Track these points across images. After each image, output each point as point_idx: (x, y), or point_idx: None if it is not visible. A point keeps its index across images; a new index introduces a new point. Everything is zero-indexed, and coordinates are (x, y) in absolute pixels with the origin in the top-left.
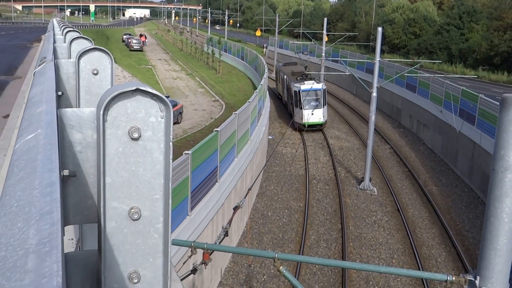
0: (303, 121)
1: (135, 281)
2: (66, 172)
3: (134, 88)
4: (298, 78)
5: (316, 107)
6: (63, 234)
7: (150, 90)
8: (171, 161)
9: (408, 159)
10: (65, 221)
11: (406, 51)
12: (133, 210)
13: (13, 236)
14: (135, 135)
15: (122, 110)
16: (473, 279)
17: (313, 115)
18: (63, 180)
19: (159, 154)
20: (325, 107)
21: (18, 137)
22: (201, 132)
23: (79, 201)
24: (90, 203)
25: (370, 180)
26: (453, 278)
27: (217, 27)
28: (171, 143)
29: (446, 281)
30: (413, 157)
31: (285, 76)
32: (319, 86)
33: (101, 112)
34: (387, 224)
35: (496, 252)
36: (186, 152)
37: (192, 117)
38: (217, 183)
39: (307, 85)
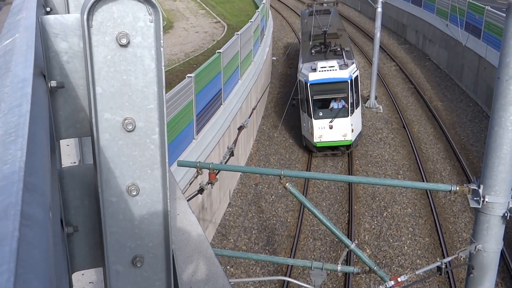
0: (313, 139)
1: (134, 193)
2: (53, 83)
3: None
4: (313, 52)
5: (337, 114)
6: (50, 133)
7: None
8: (163, 68)
9: (414, 76)
10: (58, 135)
11: None
12: (127, 121)
13: None
14: (124, 41)
15: (108, 14)
16: (476, 188)
17: (331, 129)
18: (52, 92)
19: (150, 61)
20: (357, 111)
21: None
22: (204, 55)
23: (70, 114)
24: (82, 115)
25: (376, 98)
26: (457, 188)
27: None
28: (162, 49)
29: (450, 191)
30: (418, 74)
31: (302, 40)
32: (344, 73)
33: (85, 17)
34: (392, 141)
35: (499, 160)
36: (189, 75)
37: (193, 40)
38: (222, 106)
39: (322, 71)
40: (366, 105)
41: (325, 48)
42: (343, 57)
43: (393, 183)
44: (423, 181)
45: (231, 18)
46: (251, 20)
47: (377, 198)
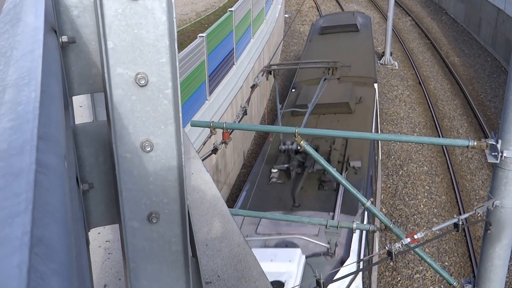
0: None
1: (148, 149)
2: (64, 38)
3: None
4: (273, 177)
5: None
6: (63, 89)
7: None
8: (174, 20)
9: (430, 31)
10: (71, 92)
11: None
12: (139, 75)
13: None
14: None
15: None
16: (494, 143)
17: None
18: (63, 47)
19: (161, 14)
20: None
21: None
22: (215, 14)
23: (82, 70)
24: (94, 71)
25: (391, 54)
26: (475, 143)
27: None
28: (173, 1)
29: (467, 146)
30: (435, 28)
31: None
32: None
33: None
34: (408, 98)
35: None
36: (200, 35)
37: None
38: (234, 66)
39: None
40: (381, 61)
41: (301, 170)
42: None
43: (409, 139)
44: (440, 137)
45: None
46: None
47: (392, 157)
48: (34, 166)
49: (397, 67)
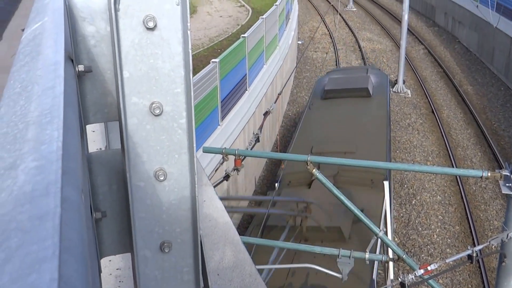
0: None
1: (162, 178)
2: (81, 68)
3: None
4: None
5: None
6: (79, 117)
7: None
8: (190, 51)
9: (443, 59)
10: (86, 120)
11: None
12: (154, 105)
13: (15, 114)
14: (151, 25)
15: None
16: (509, 173)
17: None
18: (79, 76)
19: (177, 44)
20: None
21: (25, 28)
22: (228, 40)
23: (98, 99)
24: (109, 100)
25: (404, 82)
26: (488, 174)
27: None
28: (189, 32)
29: (481, 177)
30: (448, 57)
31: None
32: None
33: (112, 1)
34: (421, 127)
35: None
36: (213, 60)
37: (218, 24)
38: (247, 91)
39: None
40: (394, 89)
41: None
42: None
43: (423, 169)
44: (453, 167)
45: (256, 1)
46: (276, 4)
47: (405, 185)
48: (59, 209)
49: (410, 95)
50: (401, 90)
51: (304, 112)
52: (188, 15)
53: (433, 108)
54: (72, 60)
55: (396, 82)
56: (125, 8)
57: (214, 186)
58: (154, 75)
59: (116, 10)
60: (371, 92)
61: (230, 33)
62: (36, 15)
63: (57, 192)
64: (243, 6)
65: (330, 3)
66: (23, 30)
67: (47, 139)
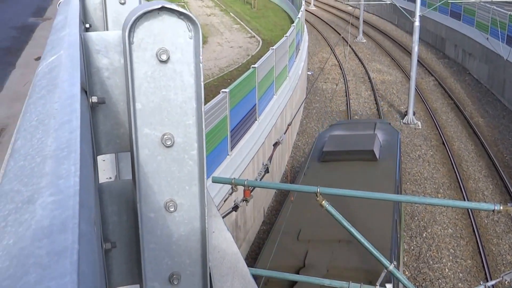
0: None
1: (172, 209)
2: (94, 99)
3: (159, 6)
4: None
5: None
6: (92, 148)
7: (177, 8)
8: (202, 83)
9: (453, 91)
10: (98, 151)
11: None
12: (166, 136)
13: (32, 147)
14: (164, 57)
15: (149, 31)
16: None
17: None
18: (92, 107)
19: (189, 77)
20: None
21: (41, 60)
22: (238, 70)
23: (111, 129)
24: (121, 131)
25: (414, 113)
26: (501, 208)
27: None
28: (201, 65)
29: (493, 211)
30: (458, 89)
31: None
32: None
33: (127, 34)
34: (432, 158)
35: None
36: (223, 90)
37: (228, 55)
38: (256, 121)
39: None
40: (404, 121)
41: None
42: None
43: (433, 201)
44: (465, 200)
45: (266, 32)
46: (286, 35)
47: (416, 218)
48: (76, 245)
49: (420, 127)
50: (411, 121)
51: (298, 176)
52: (201, 49)
53: (443, 139)
54: (86, 92)
55: (406, 113)
56: (139, 41)
57: (223, 217)
58: (166, 106)
59: (130, 43)
60: (377, 155)
61: (240, 64)
62: (52, 48)
63: (74, 227)
64: (254, 37)
65: (340, 34)
66: (36, 59)
67: (64, 174)
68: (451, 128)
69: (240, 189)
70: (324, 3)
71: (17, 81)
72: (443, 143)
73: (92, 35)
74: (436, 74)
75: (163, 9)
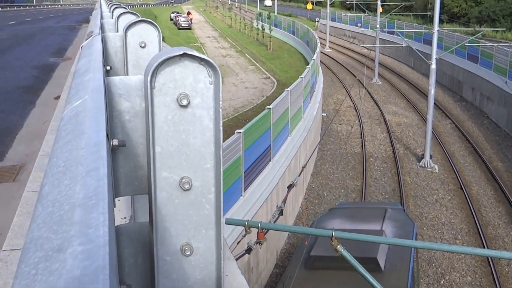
0: None
1: (188, 253)
2: (115, 142)
3: (181, 52)
4: None
5: None
6: (112, 192)
7: (197, 54)
8: (221, 128)
9: (471, 134)
10: (116, 193)
11: (466, 19)
12: (184, 180)
13: (59, 193)
14: (184, 102)
15: (170, 76)
16: None
17: None
18: (113, 150)
19: (208, 121)
20: None
21: (66, 104)
22: (253, 111)
23: (130, 172)
24: (140, 173)
25: (431, 157)
26: None
27: (267, 2)
28: (220, 110)
29: None
30: (476, 132)
31: None
32: None
33: (149, 79)
34: (449, 203)
35: None
36: (238, 131)
37: (243, 95)
38: (270, 162)
39: None
40: (420, 164)
41: None
42: None
43: (452, 248)
44: (484, 247)
45: (281, 74)
46: (301, 76)
47: (433, 264)
48: None
49: (437, 170)
50: (428, 165)
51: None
52: (221, 94)
53: (461, 184)
54: (107, 134)
55: (422, 156)
56: (160, 86)
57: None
58: (185, 150)
59: (152, 88)
60: (382, 264)
61: (255, 104)
62: (76, 91)
63: (105, 279)
64: (269, 78)
65: (355, 76)
66: (55, 98)
67: (94, 223)
68: (469, 172)
69: (253, 230)
70: (339, 45)
71: (37, 119)
72: (461, 188)
73: (115, 79)
74: (453, 117)
75: (184, 55)
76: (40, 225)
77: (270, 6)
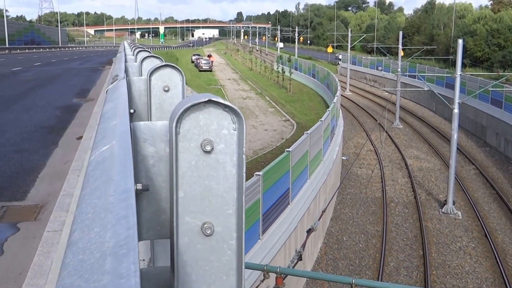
0: None
1: None
2: (139, 186)
3: (206, 99)
4: None
5: None
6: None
7: (222, 101)
8: (244, 174)
9: (496, 181)
10: (138, 237)
11: (490, 64)
12: (206, 225)
13: (90, 241)
14: (208, 148)
15: (195, 122)
16: None
17: None
18: (136, 194)
19: (232, 167)
20: None
21: (92, 149)
22: (272, 153)
23: (152, 216)
24: (163, 218)
25: (454, 203)
26: None
27: (279, 44)
28: (244, 156)
29: None
30: (501, 179)
31: None
32: None
33: (174, 125)
34: (473, 251)
35: None
36: (257, 173)
37: (262, 138)
38: (289, 206)
39: None
40: (443, 210)
41: None
42: None
43: None
44: None
45: (301, 116)
46: (321, 119)
47: None
48: None
49: (460, 217)
50: (451, 211)
51: None
52: (245, 140)
53: (486, 231)
54: None
55: (445, 202)
56: (185, 132)
57: None
58: (207, 196)
59: (176, 134)
60: None
61: (274, 147)
62: (103, 137)
63: None
64: (288, 120)
65: (376, 120)
66: (78, 138)
67: (125, 273)
68: (494, 220)
69: (272, 275)
70: (360, 88)
71: (59, 159)
72: (486, 235)
73: (140, 124)
74: (477, 163)
75: (209, 102)
76: (71, 273)
77: (282, 47)
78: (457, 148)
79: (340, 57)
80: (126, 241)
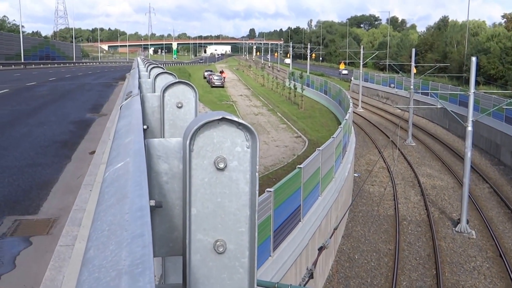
0: None
1: None
2: (152, 203)
3: (220, 117)
4: None
5: None
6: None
7: (236, 119)
8: (257, 192)
9: (511, 200)
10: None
11: (503, 82)
12: (218, 243)
13: (105, 258)
14: (221, 165)
15: (208, 139)
16: None
17: None
18: (150, 211)
19: (244, 185)
20: None
21: (107, 165)
22: (283, 170)
23: (165, 233)
24: (175, 234)
25: (468, 222)
26: None
27: (286, 60)
28: (257, 174)
29: None
30: None
31: None
32: None
33: (187, 142)
34: (488, 271)
35: None
36: (268, 189)
37: (274, 154)
38: (300, 222)
39: None
40: (456, 229)
41: None
42: None
43: None
44: None
45: (312, 133)
46: (333, 136)
47: None
48: None
49: (474, 236)
50: (464, 230)
51: None
52: (258, 158)
53: (501, 251)
54: None
55: (459, 221)
56: (198, 149)
57: None
58: (220, 213)
59: (190, 151)
60: None
61: (286, 163)
62: (117, 154)
63: None
64: (300, 137)
65: (388, 137)
66: (91, 153)
67: None
68: (509, 240)
69: None
70: (372, 105)
71: (71, 173)
72: (501, 255)
73: (154, 141)
74: (491, 181)
75: (223, 119)
76: None
77: (289, 64)
78: (471, 166)
79: (344, 72)
80: (142, 260)
